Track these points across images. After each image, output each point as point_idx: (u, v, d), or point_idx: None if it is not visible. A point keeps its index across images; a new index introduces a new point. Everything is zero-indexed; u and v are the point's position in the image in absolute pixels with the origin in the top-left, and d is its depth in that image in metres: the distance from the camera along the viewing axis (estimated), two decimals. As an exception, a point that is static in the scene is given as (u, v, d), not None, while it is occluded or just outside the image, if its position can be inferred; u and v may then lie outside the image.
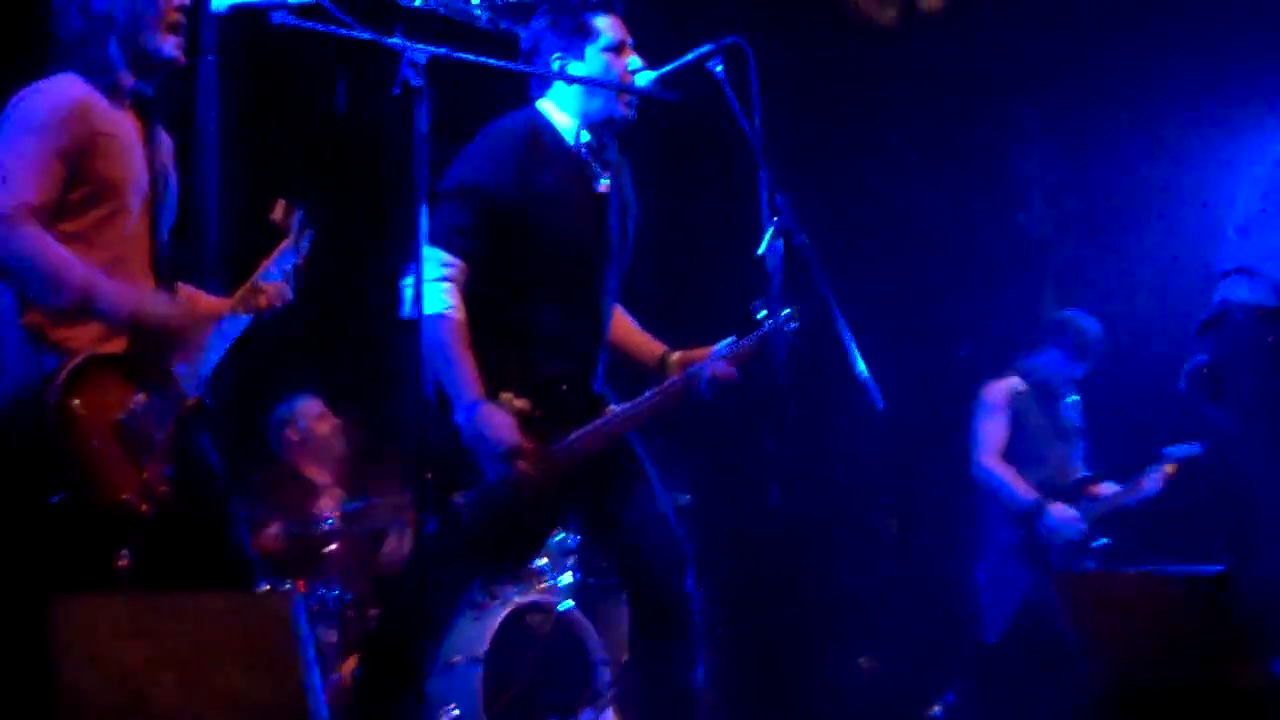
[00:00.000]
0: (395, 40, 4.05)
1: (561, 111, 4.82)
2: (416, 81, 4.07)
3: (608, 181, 4.86)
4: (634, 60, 4.81)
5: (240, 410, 7.04)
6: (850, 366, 4.65)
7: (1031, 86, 8.97)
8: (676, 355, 4.95)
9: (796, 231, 4.59)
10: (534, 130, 4.77)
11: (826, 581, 8.23)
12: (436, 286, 4.48)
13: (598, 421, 4.71)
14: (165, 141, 4.45)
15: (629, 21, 4.86)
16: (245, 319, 4.46)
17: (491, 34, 5.85)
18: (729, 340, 4.81)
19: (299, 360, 7.49)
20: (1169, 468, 7.27)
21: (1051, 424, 7.31)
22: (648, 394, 4.81)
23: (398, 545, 6.88)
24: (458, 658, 6.12)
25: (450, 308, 4.51)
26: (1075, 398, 7.42)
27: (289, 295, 4.52)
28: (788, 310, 4.71)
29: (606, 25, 4.82)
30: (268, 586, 6.37)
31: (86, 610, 3.96)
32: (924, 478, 8.26)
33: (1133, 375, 7.87)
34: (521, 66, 4.83)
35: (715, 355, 4.80)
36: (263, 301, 4.45)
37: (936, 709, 7.71)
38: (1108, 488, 7.33)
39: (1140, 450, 7.41)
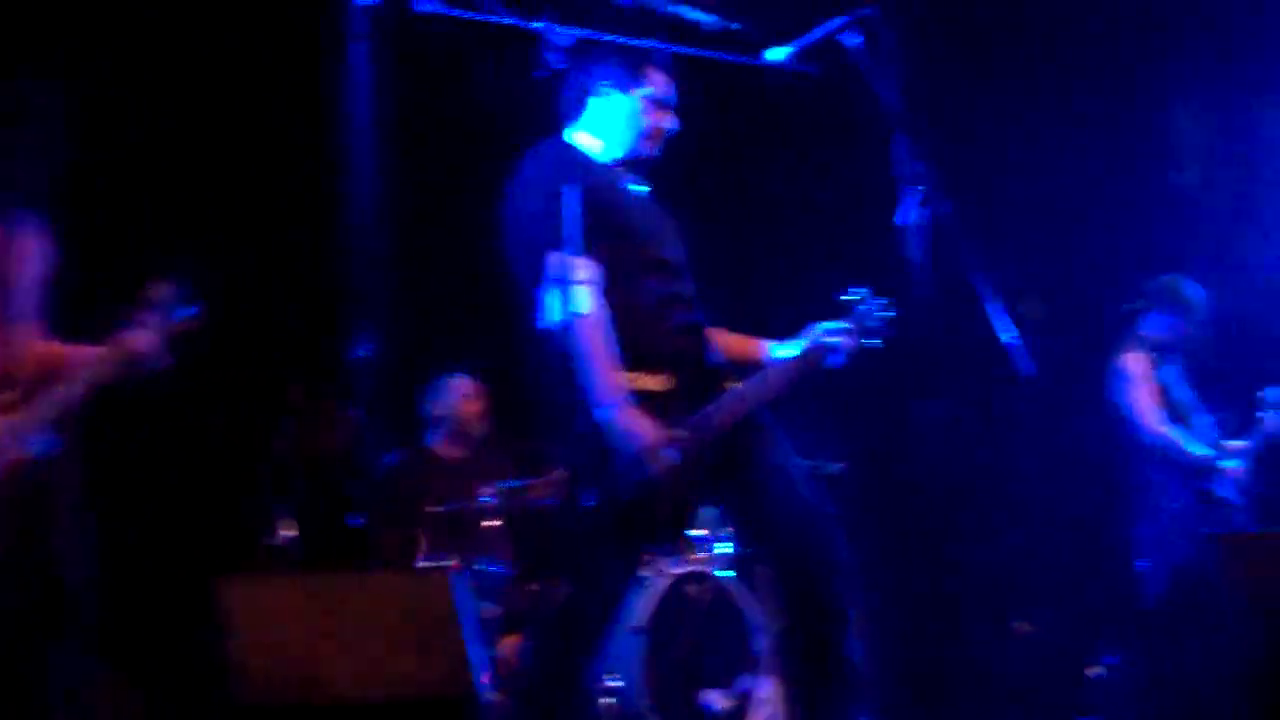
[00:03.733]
0: (538, 24, 4.12)
1: (595, 139, 4.92)
2: (561, 64, 4.15)
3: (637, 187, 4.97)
4: (672, 121, 4.94)
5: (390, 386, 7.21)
6: (995, 333, 4.67)
7: (1185, 45, 8.85)
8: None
9: (938, 200, 4.61)
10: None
11: (978, 546, 8.20)
12: (581, 289, 4.53)
13: (727, 396, 4.79)
14: None
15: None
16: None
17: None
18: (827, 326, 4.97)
19: (448, 339, 7.63)
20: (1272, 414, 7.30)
21: (1181, 387, 7.32)
22: (773, 366, 4.93)
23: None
24: (619, 628, 6.21)
25: (595, 308, 4.57)
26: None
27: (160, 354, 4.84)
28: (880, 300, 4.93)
29: (661, 80, 4.92)
30: (427, 563, 6.55)
31: (251, 590, 4.11)
32: (1077, 441, 8.21)
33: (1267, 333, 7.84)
34: (666, 45, 4.86)
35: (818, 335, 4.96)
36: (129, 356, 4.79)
37: (1098, 670, 7.68)
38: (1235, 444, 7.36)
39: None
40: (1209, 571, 6.63)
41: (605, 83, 4.87)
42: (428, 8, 4.09)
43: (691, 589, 6.45)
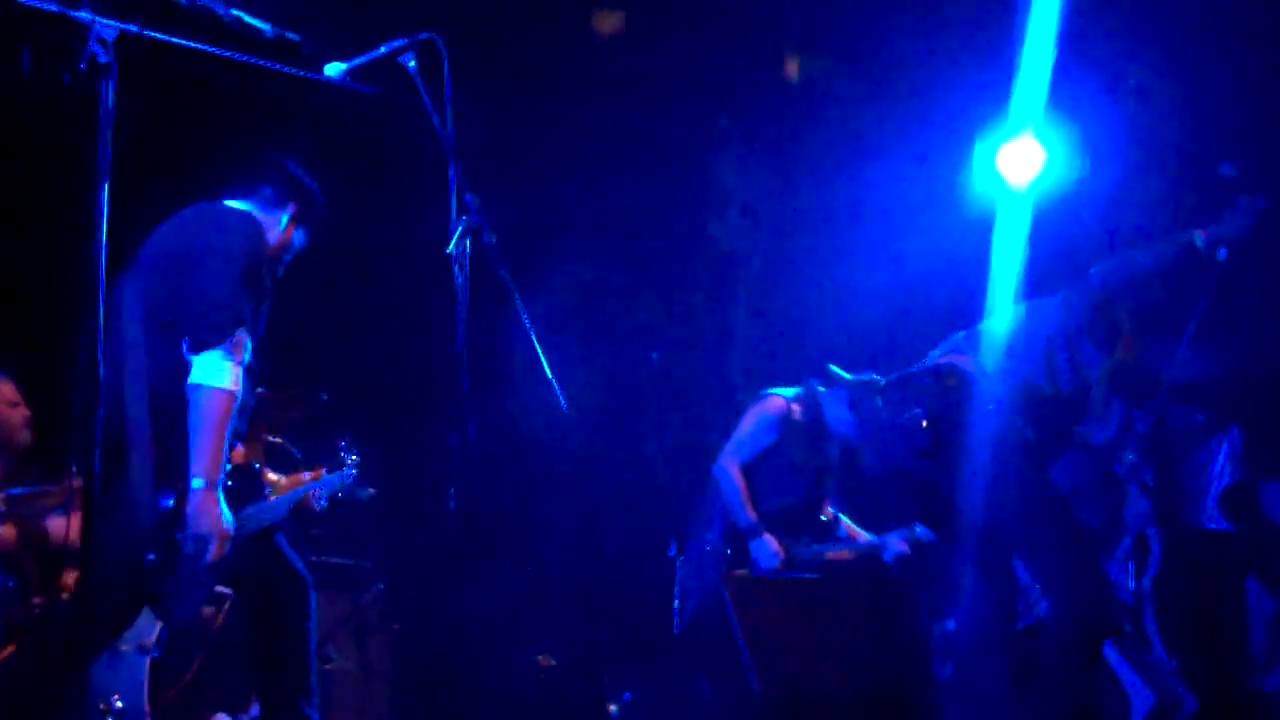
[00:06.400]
0: (82, 13, 3.95)
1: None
2: (104, 58, 3.99)
3: None
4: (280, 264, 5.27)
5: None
6: (536, 367, 4.71)
7: (733, 97, 9.13)
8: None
9: (485, 230, 4.63)
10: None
11: (507, 580, 8.26)
12: (238, 369, 4.69)
13: (271, 503, 5.18)
14: None
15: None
16: None
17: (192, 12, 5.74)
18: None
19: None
20: (906, 544, 7.18)
21: (813, 459, 7.29)
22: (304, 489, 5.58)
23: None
24: (125, 646, 5.98)
25: (239, 389, 4.70)
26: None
27: None
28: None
29: (298, 237, 5.25)
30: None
31: None
32: (607, 478, 8.36)
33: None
34: (222, 50, 4.74)
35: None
36: None
37: (614, 708, 7.79)
38: (855, 532, 7.36)
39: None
40: (722, 612, 6.79)
41: (271, 187, 5.16)
42: (-41, -16, 3.86)
43: (206, 610, 6.29)
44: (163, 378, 4.69)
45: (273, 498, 5.28)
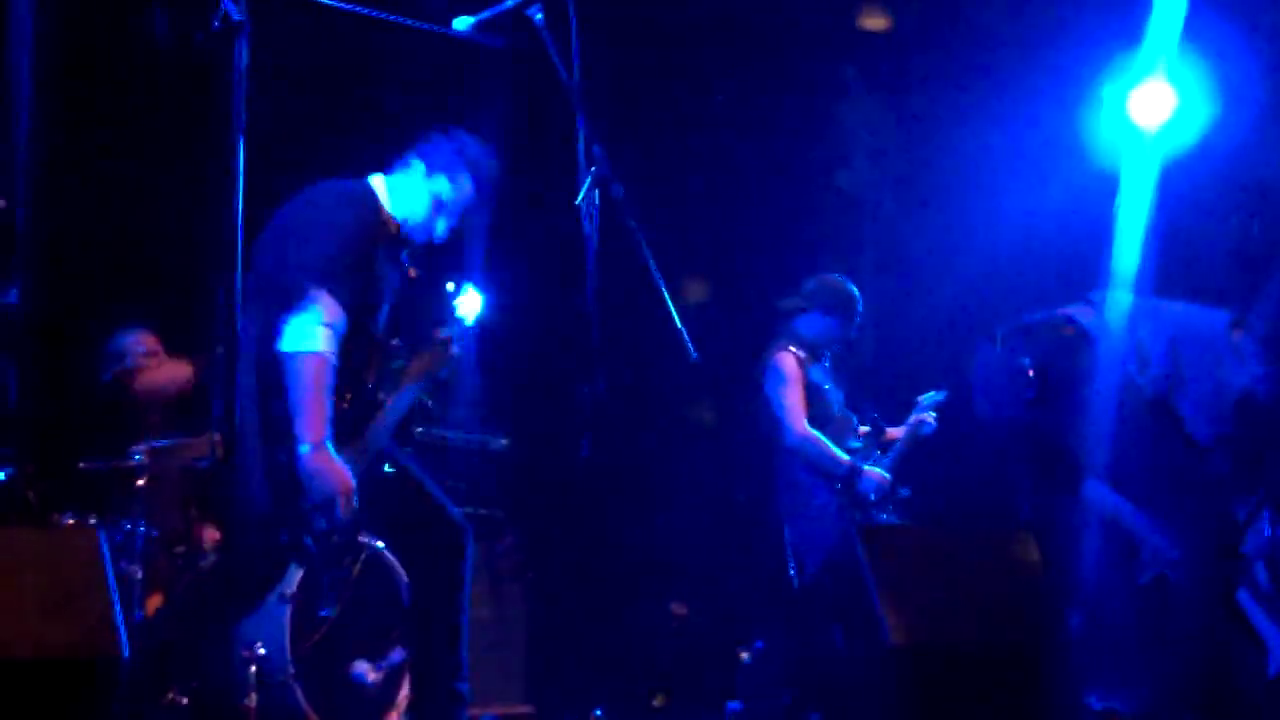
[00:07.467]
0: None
1: (390, 196, 5.10)
2: (237, 16, 4.05)
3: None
4: (443, 225, 5.15)
5: (64, 344, 6.99)
6: (665, 318, 4.73)
7: (858, 46, 9.06)
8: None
9: (613, 182, 4.65)
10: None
11: (639, 528, 8.29)
12: (328, 331, 4.72)
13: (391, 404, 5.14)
14: None
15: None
16: None
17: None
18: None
19: (125, 296, 7.42)
20: (929, 415, 7.51)
21: (829, 386, 7.44)
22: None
23: None
24: (268, 595, 6.08)
25: (331, 353, 4.74)
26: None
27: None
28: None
29: (467, 189, 5.11)
30: (71, 520, 6.31)
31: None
32: (737, 428, 8.35)
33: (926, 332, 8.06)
34: (352, 6, 4.77)
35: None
36: None
37: (745, 655, 7.81)
38: (893, 432, 7.56)
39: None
40: (853, 562, 6.78)
41: (421, 158, 5.07)
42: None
43: (345, 559, 6.36)
44: (265, 348, 4.76)
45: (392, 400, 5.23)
